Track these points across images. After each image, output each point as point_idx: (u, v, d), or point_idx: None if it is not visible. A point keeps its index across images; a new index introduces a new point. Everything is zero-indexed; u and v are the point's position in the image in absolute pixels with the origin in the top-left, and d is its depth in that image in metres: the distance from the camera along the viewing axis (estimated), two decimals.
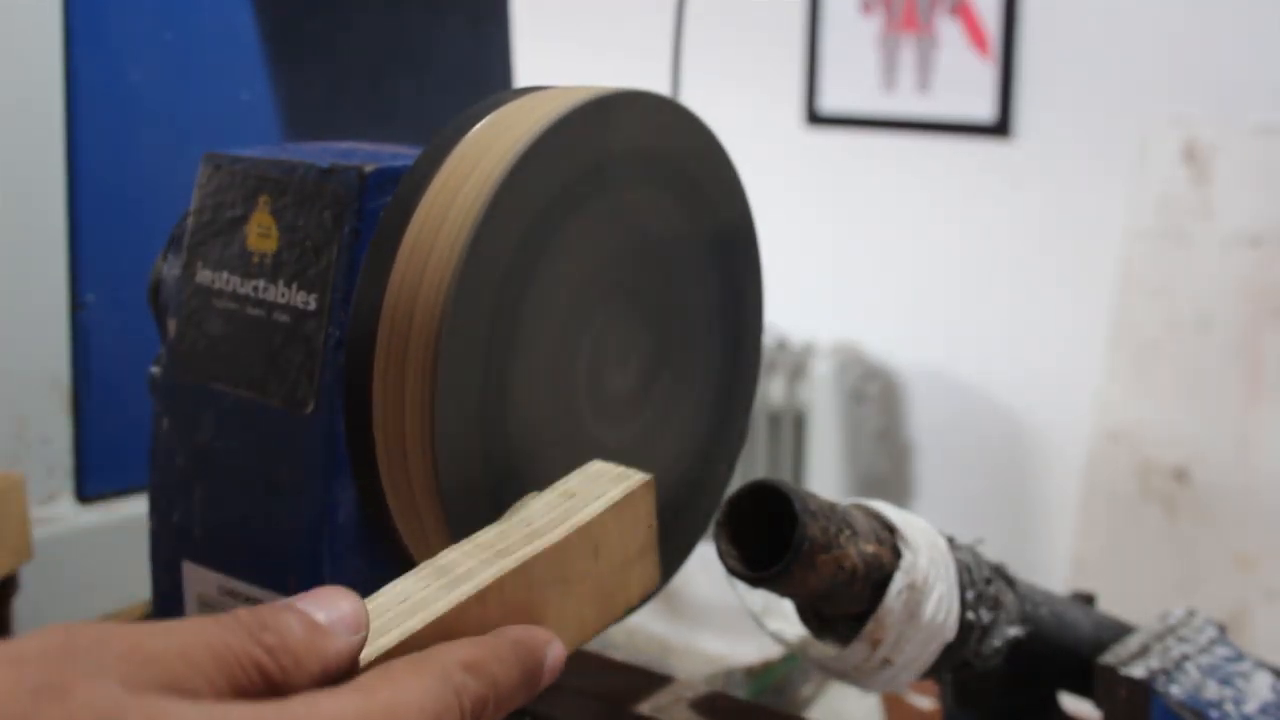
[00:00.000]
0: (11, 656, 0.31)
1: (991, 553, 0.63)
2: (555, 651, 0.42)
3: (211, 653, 0.33)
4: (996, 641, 0.60)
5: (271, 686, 0.34)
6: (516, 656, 0.39)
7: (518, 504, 0.48)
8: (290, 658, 0.34)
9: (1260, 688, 0.62)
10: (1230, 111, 2.12)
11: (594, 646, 0.68)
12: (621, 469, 0.50)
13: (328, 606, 0.36)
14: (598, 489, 0.48)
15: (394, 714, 0.34)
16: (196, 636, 0.33)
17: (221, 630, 0.34)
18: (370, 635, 0.37)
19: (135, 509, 0.78)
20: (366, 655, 0.37)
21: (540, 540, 0.44)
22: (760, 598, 0.62)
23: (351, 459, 0.50)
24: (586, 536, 0.46)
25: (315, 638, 0.35)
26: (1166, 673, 0.61)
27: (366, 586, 0.40)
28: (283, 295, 0.52)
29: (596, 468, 0.50)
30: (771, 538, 0.52)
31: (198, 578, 0.55)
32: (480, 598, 0.41)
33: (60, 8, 0.76)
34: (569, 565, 0.45)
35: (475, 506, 0.49)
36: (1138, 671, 0.60)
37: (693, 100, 0.68)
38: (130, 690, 0.31)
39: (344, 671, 0.35)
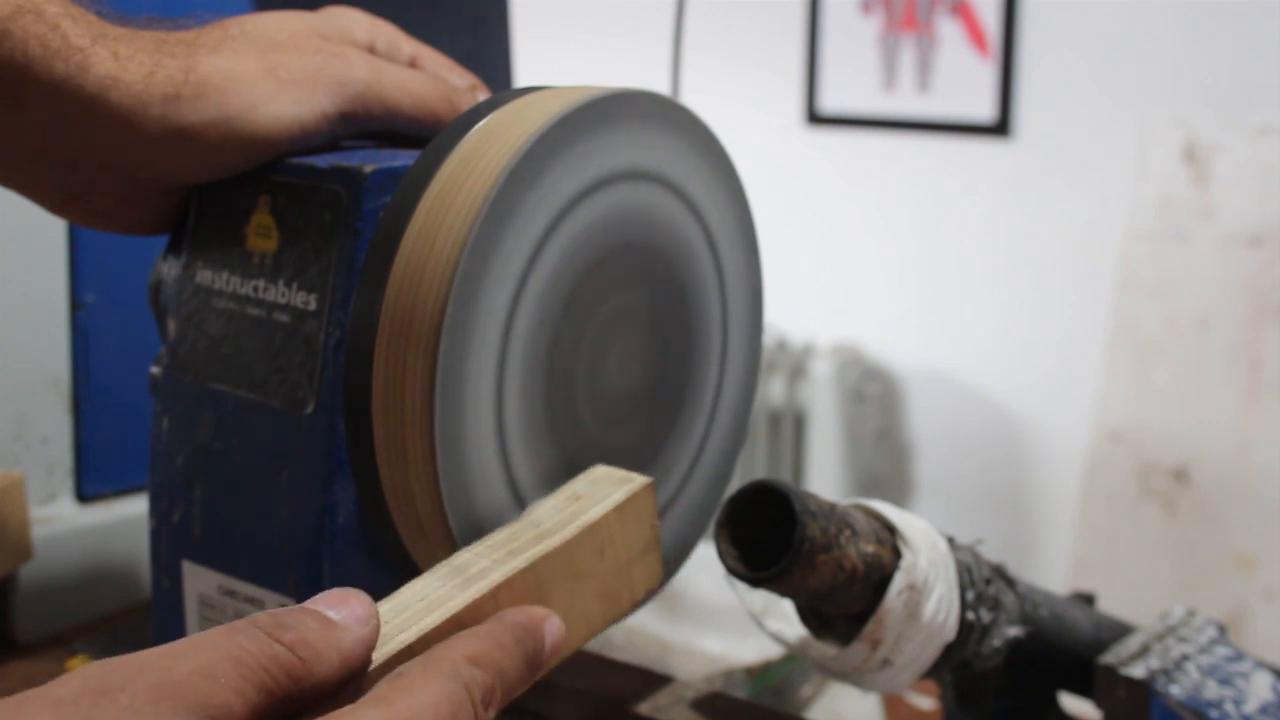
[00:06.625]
0: (49, 701, 0.32)
1: (991, 553, 0.63)
2: (554, 628, 0.44)
3: (234, 662, 0.34)
4: (996, 641, 0.60)
5: (295, 681, 0.36)
6: (516, 639, 0.42)
7: (528, 508, 0.51)
8: (310, 650, 0.36)
9: (1260, 688, 0.62)
10: (1230, 111, 2.12)
11: (594, 646, 0.68)
12: (624, 472, 0.52)
13: (337, 605, 0.38)
14: (602, 491, 0.51)
15: None
16: (216, 650, 0.35)
17: (240, 638, 0.35)
18: (390, 632, 0.40)
19: (135, 509, 0.78)
20: (388, 651, 0.39)
21: (549, 540, 0.47)
22: (760, 598, 0.62)
23: (351, 459, 0.50)
24: (593, 536, 0.48)
25: (331, 631, 0.37)
26: (1166, 673, 0.61)
27: (367, 586, 0.40)
28: (283, 295, 0.52)
29: (601, 472, 0.53)
30: (771, 538, 0.52)
31: (198, 578, 0.55)
32: (493, 595, 0.43)
33: None
34: (576, 564, 0.47)
35: (474, 505, 0.49)
36: (1138, 671, 0.60)
37: (693, 100, 0.68)
38: None
39: (360, 662, 0.38)
